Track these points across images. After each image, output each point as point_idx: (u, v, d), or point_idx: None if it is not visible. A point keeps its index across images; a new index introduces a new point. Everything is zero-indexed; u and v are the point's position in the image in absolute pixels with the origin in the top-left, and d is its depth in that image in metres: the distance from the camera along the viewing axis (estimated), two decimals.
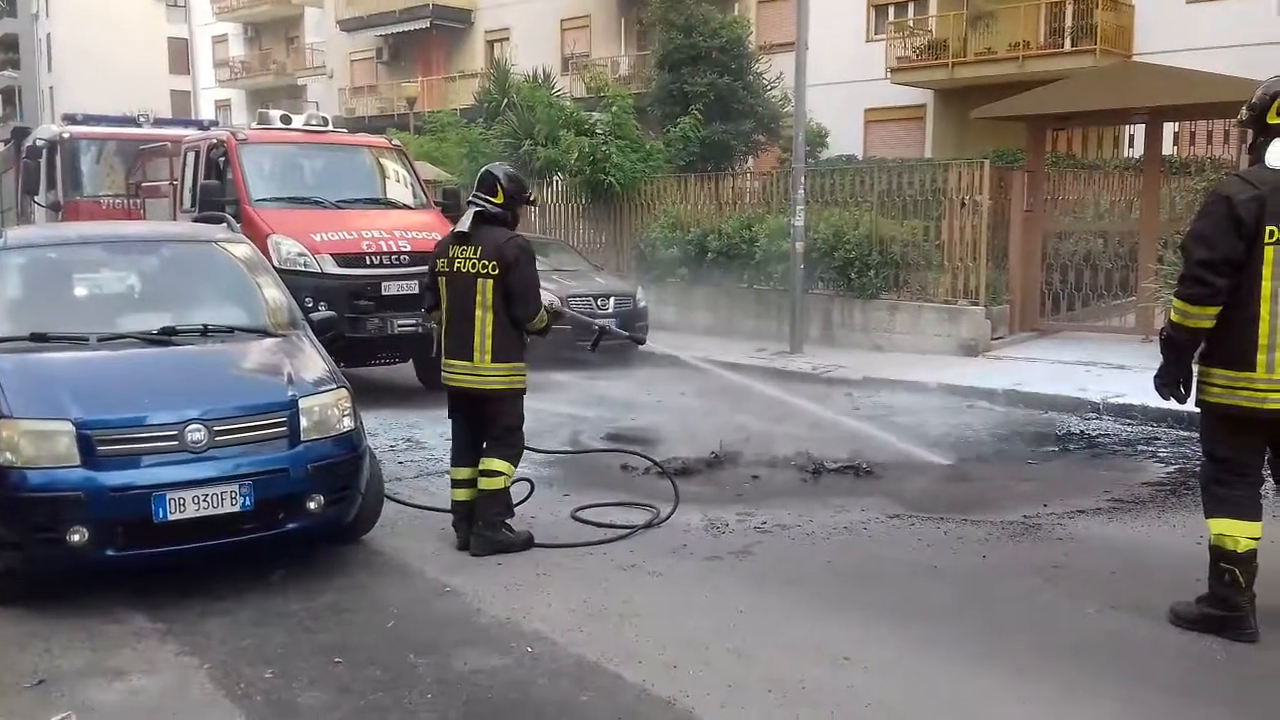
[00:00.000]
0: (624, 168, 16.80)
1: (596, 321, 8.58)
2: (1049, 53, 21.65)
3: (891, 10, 25.47)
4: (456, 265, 5.73)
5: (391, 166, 11.55)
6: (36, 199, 14.22)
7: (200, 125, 15.53)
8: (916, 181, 13.58)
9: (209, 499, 4.91)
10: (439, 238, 6.53)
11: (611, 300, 12.93)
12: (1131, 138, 16.12)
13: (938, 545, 5.90)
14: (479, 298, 5.66)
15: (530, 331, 5.87)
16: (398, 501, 6.58)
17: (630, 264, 16.33)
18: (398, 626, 4.76)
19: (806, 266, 13.26)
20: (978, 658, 4.38)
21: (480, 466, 5.81)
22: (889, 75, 23.92)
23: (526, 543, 5.80)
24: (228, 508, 4.95)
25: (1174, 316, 4.56)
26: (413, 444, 8.53)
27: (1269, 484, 4.71)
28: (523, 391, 5.88)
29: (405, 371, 11.04)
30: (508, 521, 5.86)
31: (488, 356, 5.69)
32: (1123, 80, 13.58)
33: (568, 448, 8.26)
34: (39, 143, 14.43)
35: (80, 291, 6.18)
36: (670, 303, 15.55)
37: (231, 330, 5.91)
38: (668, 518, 6.35)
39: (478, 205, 5.77)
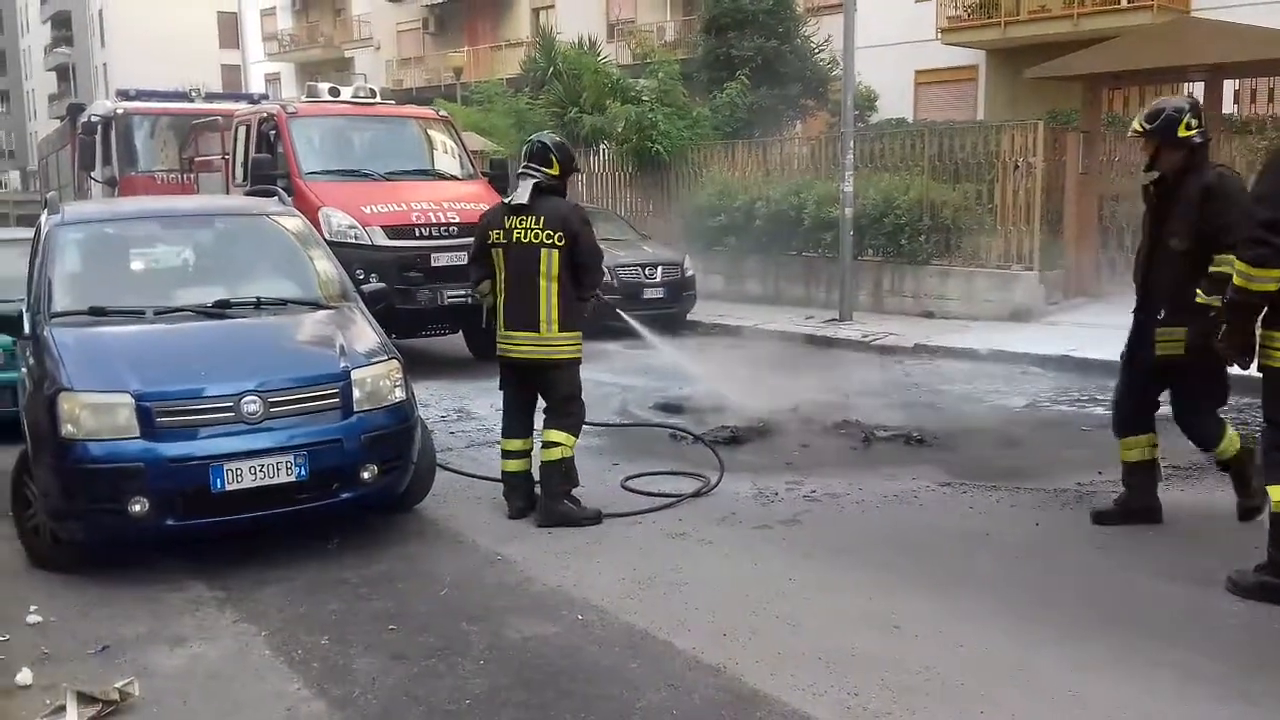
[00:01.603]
0: (671, 135, 16.72)
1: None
2: (1105, 9, 21.10)
3: None
4: (515, 236, 5.70)
5: (439, 137, 11.60)
6: (93, 175, 14.44)
7: (250, 99, 15.65)
8: (968, 144, 13.37)
9: (265, 469, 4.99)
10: (487, 208, 6.55)
11: (659, 269, 12.91)
12: (1191, 96, 15.72)
13: (989, 513, 5.86)
14: (543, 268, 5.65)
15: (586, 300, 5.89)
16: (450, 471, 6.66)
17: (678, 232, 16.27)
18: (450, 595, 4.83)
19: (856, 233, 13.16)
20: (1030, 626, 4.35)
21: (542, 438, 5.85)
22: (939, 35, 23.49)
23: (592, 518, 5.78)
24: (283, 478, 5.04)
25: (1238, 280, 4.45)
26: (464, 414, 8.61)
27: None
28: (580, 360, 5.91)
29: (456, 342, 11.12)
30: (573, 494, 5.89)
31: (554, 326, 5.70)
32: (1181, 37, 13.23)
33: (614, 419, 8.28)
34: (94, 119, 14.64)
35: (137, 265, 6.30)
36: (718, 271, 15.50)
37: (284, 303, 5.99)
38: (714, 486, 6.36)
39: (534, 176, 5.75)
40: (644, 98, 17.60)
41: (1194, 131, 5.17)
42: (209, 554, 5.24)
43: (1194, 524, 5.60)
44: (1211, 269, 5.00)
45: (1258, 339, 4.52)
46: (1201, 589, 4.65)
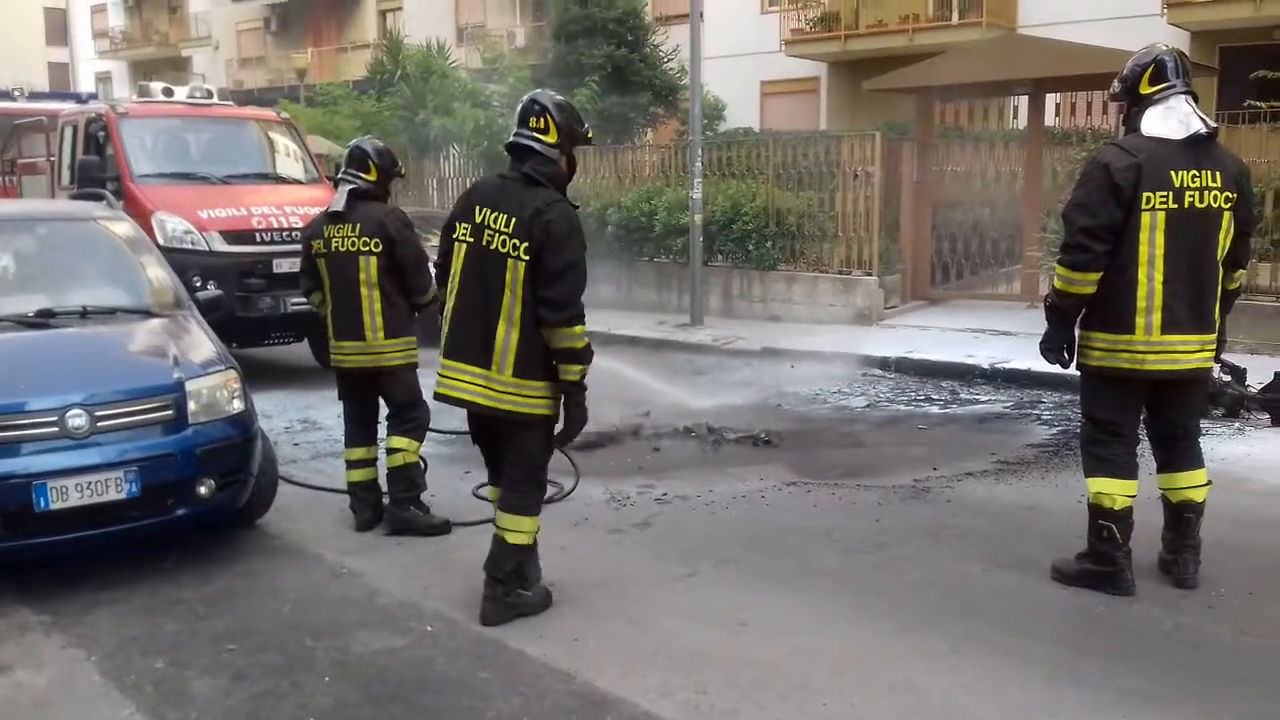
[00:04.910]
0: None
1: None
2: (938, 25, 22.06)
3: None
4: (334, 245, 5.63)
5: (281, 140, 11.27)
6: None
7: (78, 99, 14.91)
8: (811, 154, 13.72)
9: (93, 487, 4.76)
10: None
11: None
12: (1016, 109, 16.50)
13: (832, 510, 6.03)
14: (363, 275, 5.59)
15: (419, 306, 5.81)
16: (294, 484, 6.49)
17: None
18: (294, 611, 4.69)
19: (705, 239, 13.35)
20: (870, 618, 4.50)
21: (385, 445, 5.76)
22: (784, 47, 24.10)
23: (440, 526, 5.71)
24: (113, 495, 4.81)
25: (1057, 283, 4.70)
26: (309, 425, 8.39)
27: (1144, 444, 4.90)
28: (415, 365, 5.83)
29: (301, 351, 10.82)
30: (422, 501, 5.81)
31: (380, 334, 5.63)
32: (1007, 52, 13.87)
33: (464, 427, 8.17)
34: None
35: None
36: None
37: (113, 311, 5.73)
38: (569, 493, 6.36)
39: (350, 182, 5.68)
40: (494, 102, 17.49)
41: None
42: (35, 577, 4.97)
43: (1021, 515, 5.88)
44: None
45: (1077, 339, 4.78)
46: (1030, 577, 4.89)
